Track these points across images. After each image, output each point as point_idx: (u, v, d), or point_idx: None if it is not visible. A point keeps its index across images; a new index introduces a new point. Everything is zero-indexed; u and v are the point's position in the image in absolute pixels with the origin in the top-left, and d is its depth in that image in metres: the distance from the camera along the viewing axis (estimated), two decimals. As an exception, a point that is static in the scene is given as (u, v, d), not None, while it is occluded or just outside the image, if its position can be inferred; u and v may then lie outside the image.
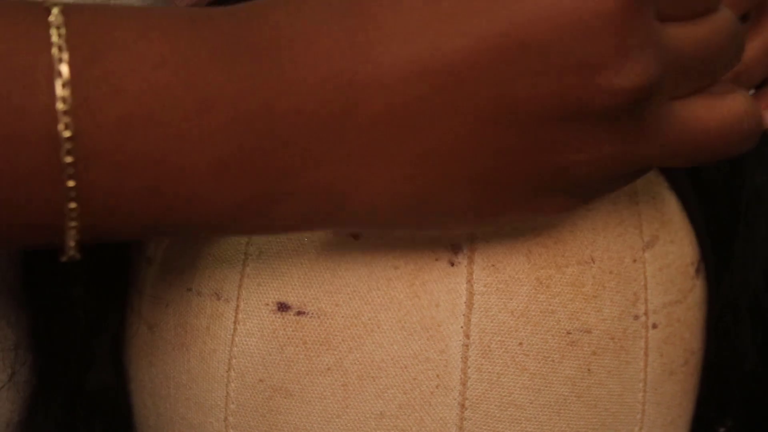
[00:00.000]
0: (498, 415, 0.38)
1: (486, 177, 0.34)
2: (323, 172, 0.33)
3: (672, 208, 0.43)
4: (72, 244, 0.32)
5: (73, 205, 0.31)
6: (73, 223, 0.32)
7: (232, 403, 0.39)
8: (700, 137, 0.35)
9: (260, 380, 0.39)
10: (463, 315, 0.38)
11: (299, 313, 0.39)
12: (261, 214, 0.33)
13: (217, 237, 0.37)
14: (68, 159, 0.30)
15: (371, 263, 0.38)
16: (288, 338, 0.39)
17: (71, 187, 0.31)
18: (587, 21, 0.32)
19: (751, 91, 0.44)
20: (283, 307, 0.39)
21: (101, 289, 0.43)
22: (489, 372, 0.38)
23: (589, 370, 0.39)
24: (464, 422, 0.38)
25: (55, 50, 0.30)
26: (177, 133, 0.31)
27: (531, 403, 0.39)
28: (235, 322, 0.39)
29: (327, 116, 0.32)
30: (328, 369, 0.38)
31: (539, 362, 0.39)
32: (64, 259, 0.33)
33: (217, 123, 0.32)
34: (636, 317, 0.40)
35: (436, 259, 0.39)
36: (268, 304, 0.39)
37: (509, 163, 0.33)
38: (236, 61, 0.32)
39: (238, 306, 0.39)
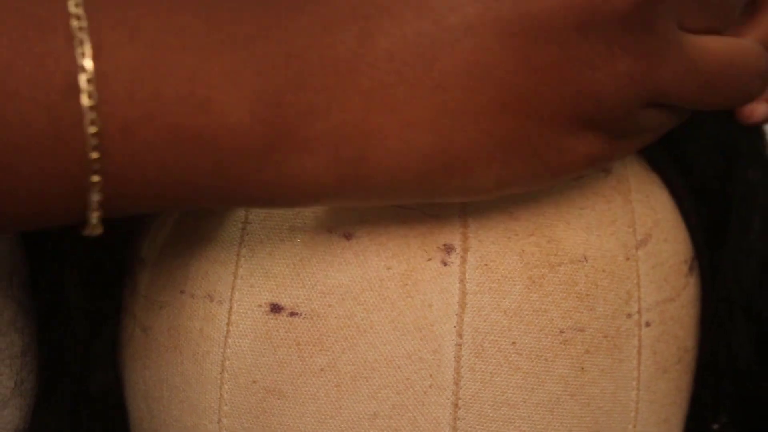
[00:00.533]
0: (491, 414, 0.38)
1: (509, 104, 0.33)
2: (346, 114, 0.32)
3: (665, 206, 0.43)
4: (95, 217, 0.32)
5: (96, 178, 0.31)
6: (96, 197, 0.31)
7: (226, 404, 0.39)
8: (712, 65, 0.36)
9: (254, 381, 0.39)
10: (456, 315, 0.38)
11: (292, 314, 0.39)
12: (285, 165, 0.33)
13: (234, 205, 0.36)
14: (92, 129, 0.30)
15: (364, 264, 0.38)
16: (281, 339, 0.39)
17: (95, 159, 0.31)
18: None
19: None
20: (275, 309, 0.39)
21: (99, 291, 0.43)
22: (482, 371, 0.38)
23: (582, 368, 0.39)
24: (458, 422, 0.38)
25: (74, 21, 0.30)
26: (204, 97, 0.31)
27: (524, 402, 0.39)
28: (228, 324, 0.39)
29: (342, 51, 0.32)
30: (322, 370, 0.38)
31: (532, 361, 0.39)
32: (86, 233, 0.33)
33: (246, 62, 0.31)
34: (629, 315, 0.40)
35: (429, 259, 0.38)
36: (261, 306, 0.39)
37: (531, 86, 0.33)
38: (262, 6, 0.32)
39: (231, 308, 0.39)
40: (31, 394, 0.42)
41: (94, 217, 0.32)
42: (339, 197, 0.34)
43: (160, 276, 0.42)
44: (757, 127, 0.49)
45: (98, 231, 0.32)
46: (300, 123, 0.32)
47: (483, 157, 0.34)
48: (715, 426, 0.47)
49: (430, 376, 0.38)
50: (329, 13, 0.32)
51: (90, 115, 0.30)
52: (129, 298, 0.43)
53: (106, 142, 0.31)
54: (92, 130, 0.30)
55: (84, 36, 0.30)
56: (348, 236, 0.38)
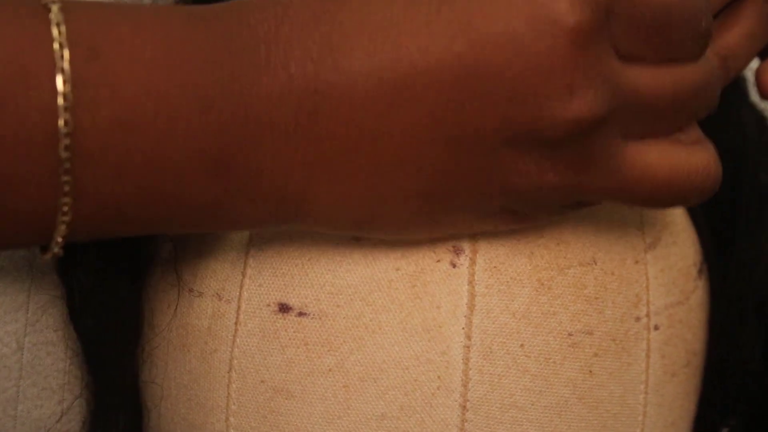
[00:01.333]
0: (499, 416, 0.38)
1: (435, 192, 0.35)
2: (289, 179, 0.34)
3: (674, 210, 0.43)
4: (59, 239, 0.33)
5: (66, 199, 0.32)
6: (64, 218, 0.32)
7: (234, 403, 0.39)
8: (646, 183, 0.36)
9: (261, 381, 0.39)
10: (465, 316, 0.38)
11: (300, 314, 0.39)
12: (231, 211, 0.35)
13: (186, 231, 0.38)
14: (65, 154, 0.31)
15: (373, 265, 0.38)
16: (289, 339, 0.39)
17: (66, 181, 0.32)
18: (540, 54, 0.33)
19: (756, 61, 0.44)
20: (284, 308, 0.39)
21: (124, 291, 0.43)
22: (490, 373, 0.38)
23: (590, 371, 0.39)
24: (465, 424, 0.38)
25: (56, 46, 0.31)
26: (168, 133, 0.32)
27: (532, 405, 0.39)
28: (236, 323, 0.39)
29: (292, 122, 0.33)
30: (330, 370, 0.38)
31: (541, 364, 0.39)
32: (47, 256, 0.34)
33: (205, 123, 0.33)
34: (638, 319, 0.40)
35: (438, 261, 0.38)
36: (269, 305, 0.39)
37: (457, 182, 0.35)
38: (222, 65, 0.33)
39: (239, 307, 0.39)
40: (81, 411, 0.43)
41: (59, 239, 0.33)
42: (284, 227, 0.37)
43: (168, 275, 0.42)
44: (765, 130, 0.49)
45: (59, 254, 0.34)
46: (248, 182, 0.34)
47: (407, 229, 0.37)
48: (725, 429, 0.47)
49: (438, 377, 0.38)
50: (284, 82, 0.33)
51: (65, 141, 0.31)
52: (139, 297, 0.43)
53: (77, 169, 0.32)
54: (65, 155, 0.31)
55: (65, 65, 0.31)
56: (357, 237, 0.38)
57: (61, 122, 0.31)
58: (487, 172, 0.35)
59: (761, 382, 0.47)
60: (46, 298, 0.40)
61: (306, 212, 0.35)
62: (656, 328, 0.41)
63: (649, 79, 0.35)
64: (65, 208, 0.32)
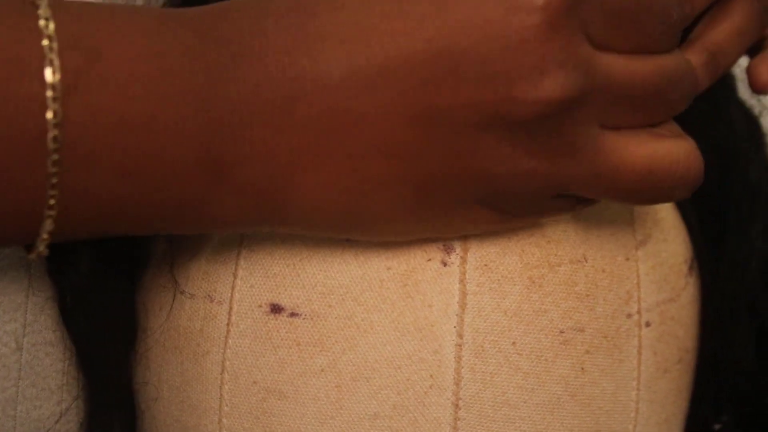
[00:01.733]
0: (492, 414, 0.38)
1: (414, 179, 0.35)
2: (268, 166, 0.35)
3: (665, 206, 0.43)
4: (45, 236, 0.33)
5: (53, 192, 0.32)
6: (51, 212, 0.33)
7: (226, 405, 0.39)
8: (624, 171, 0.36)
9: (254, 382, 0.39)
10: (456, 315, 0.38)
11: (292, 314, 0.39)
12: (216, 205, 0.35)
13: (171, 229, 0.38)
14: (53, 146, 0.32)
15: (364, 264, 0.38)
16: (281, 340, 0.39)
17: (53, 173, 0.32)
18: (510, 34, 0.33)
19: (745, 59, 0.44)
20: (276, 309, 0.39)
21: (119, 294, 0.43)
22: (482, 372, 0.38)
23: (582, 368, 0.39)
24: (458, 422, 0.38)
25: (45, 40, 0.32)
26: (154, 126, 0.33)
27: (525, 403, 0.39)
28: (228, 324, 0.39)
29: (272, 110, 0.34)
30: (322, 370, 0.38)
31: (532, 361, 0.39)
32: (32, 255, 0.34)
33: (190, 114, 0.33)
34: (629, 316, 0.40)
35: (429, 260, 0.38)
36: (261, 306, 0.39)
37: (434, 167, 0.35)
38: (203, 60, 0.34)
39: (231, 308, 0.39)
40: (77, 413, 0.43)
41: (45, 236, 0.33)
42: (258, 229, 0.38)
43: (159, 277, 0.42)
44: (756, 127, 0.49)
45: (44, 253, 0.34)
46: (236, 170, 0.34)
47: (389, 223, 0.37)
48: (717, 426, 0.47)
49: (431, 376, 0.38)
50: (262, 72, 0.34)
51: (53, 132, 0.32)
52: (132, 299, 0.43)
53: (66, 161, 0.32)
54: (53, 146, 0.32)
55: (54, 57, 0.32)
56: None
57: (49, 114, 0.31)
58: (463, 157, 0.35)
59: (754, 379, 0.48)
60: (44, 299, 0.40)
61: (291, 203, 0.35)
62: (648, 324, 0.41)
63: (622, 66, 0.35)
64: (52, 201, 0.32)
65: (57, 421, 0.41)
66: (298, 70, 0.34)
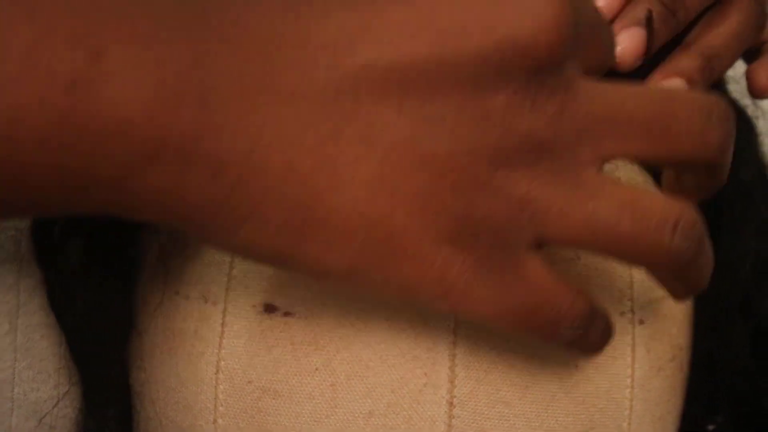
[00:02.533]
0: (486, 412, 0.38)
1: (377, 149, 0.32)
2: (237, 140, 0.31)
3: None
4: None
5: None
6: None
7: (221, 405, 0.39)
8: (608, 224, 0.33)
9: (249, 382, 0.39)
10: (451, 313, 0.38)
11: (286, 314, 0.39)
12: (163, 178, 0.31)
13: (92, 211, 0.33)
14: None
15: (357, 263, 0.39)
16: (276, 339, 0.39)
17: None
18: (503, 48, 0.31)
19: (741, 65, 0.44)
20: (270, 309, 0.39)
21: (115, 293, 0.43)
22: (477, 369, 0.38)
23: (576, 366, 0.39)
24: (453, 420, 0.38)
25: None
26: (100, 81, 0.29)
27: (519, 400, 0.39)
28: (222, 325, 0.39)
29: (252, 79, 0.31)
30: (317, 369, 0.38)
31: (527, 359, 0.39)
32: None
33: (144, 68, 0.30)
34: (622, 313, 0.40)
35: None
36: (255, 306, 0.39)
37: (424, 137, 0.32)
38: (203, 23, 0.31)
39: (225, 309, 0.40)
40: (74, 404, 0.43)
41: None
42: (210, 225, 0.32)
43: (154, 278, 0.42)
44: (749, 126, 0.49)
45: None
46: (194, 139, 0.30)
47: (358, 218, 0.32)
48: (711, 426, 0.47)
49: (425, 374, 0.38)
50: (246, 42, 0.31)
51: None
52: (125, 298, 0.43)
53: None
54: None
55: None
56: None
57: None
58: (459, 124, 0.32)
59: (750, 380, 0.48)
60: (36, 281, 0.40)
61: (246, 184, 0.31)
62: (641, 322, 0.41)
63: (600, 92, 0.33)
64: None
65: (55, 405, 0.41)
66: (278, 36, 0.31)
